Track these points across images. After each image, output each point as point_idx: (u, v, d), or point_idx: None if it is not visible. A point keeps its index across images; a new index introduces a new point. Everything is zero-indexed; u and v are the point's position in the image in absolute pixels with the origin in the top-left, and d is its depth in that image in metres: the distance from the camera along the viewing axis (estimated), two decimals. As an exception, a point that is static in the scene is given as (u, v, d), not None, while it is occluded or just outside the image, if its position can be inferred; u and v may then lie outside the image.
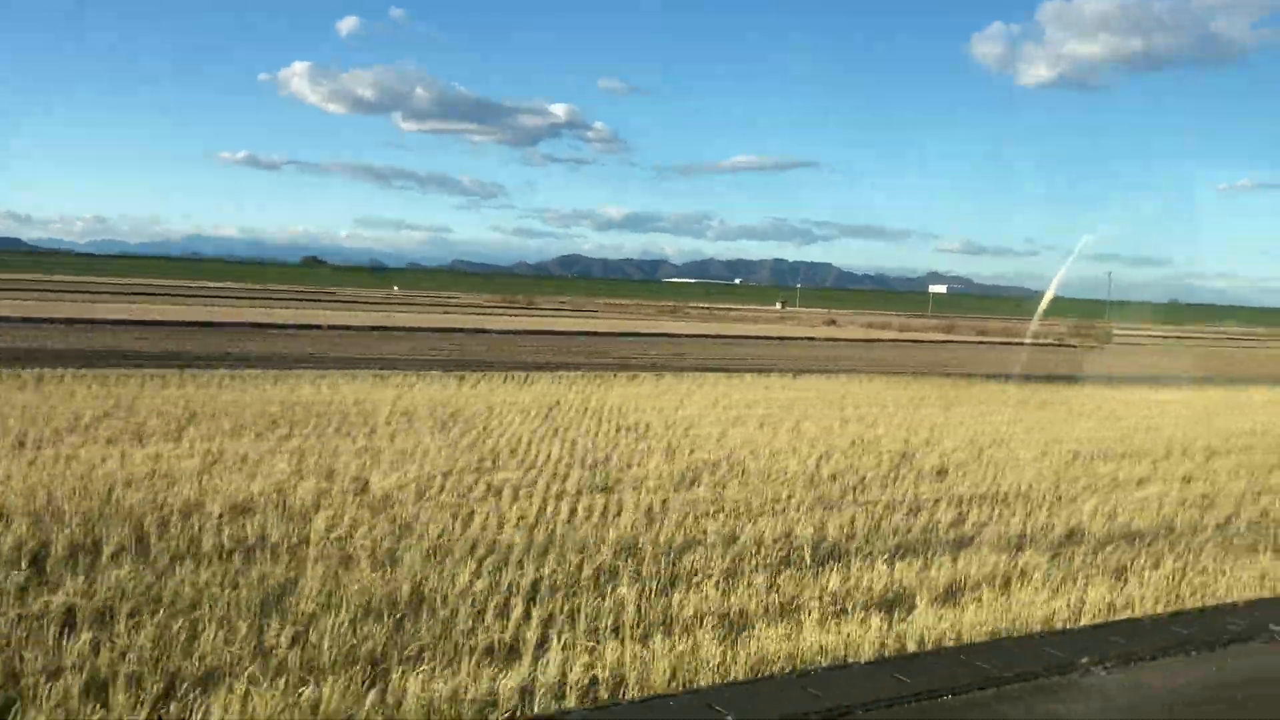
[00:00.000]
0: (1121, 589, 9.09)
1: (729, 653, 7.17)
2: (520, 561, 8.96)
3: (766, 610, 8.13)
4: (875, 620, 7.84)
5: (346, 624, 7.12)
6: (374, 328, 52.17)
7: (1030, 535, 11.43)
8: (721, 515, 11.38)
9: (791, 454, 16.12)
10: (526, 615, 7.58)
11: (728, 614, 7.99)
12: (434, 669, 6.55)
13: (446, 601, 7.82)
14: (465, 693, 6.21)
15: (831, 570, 9.22)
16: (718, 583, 8.65)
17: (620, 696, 6.43)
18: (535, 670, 6.62)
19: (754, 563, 9.48)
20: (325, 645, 6.76)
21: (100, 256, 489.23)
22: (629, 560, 9.26)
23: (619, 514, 11.03)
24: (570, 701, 6.28)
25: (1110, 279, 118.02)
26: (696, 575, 8.84)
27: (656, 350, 46.29)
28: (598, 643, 7.14)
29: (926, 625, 7.93)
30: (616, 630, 7.45)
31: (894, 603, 8.63)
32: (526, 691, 6.34)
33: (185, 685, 6.11)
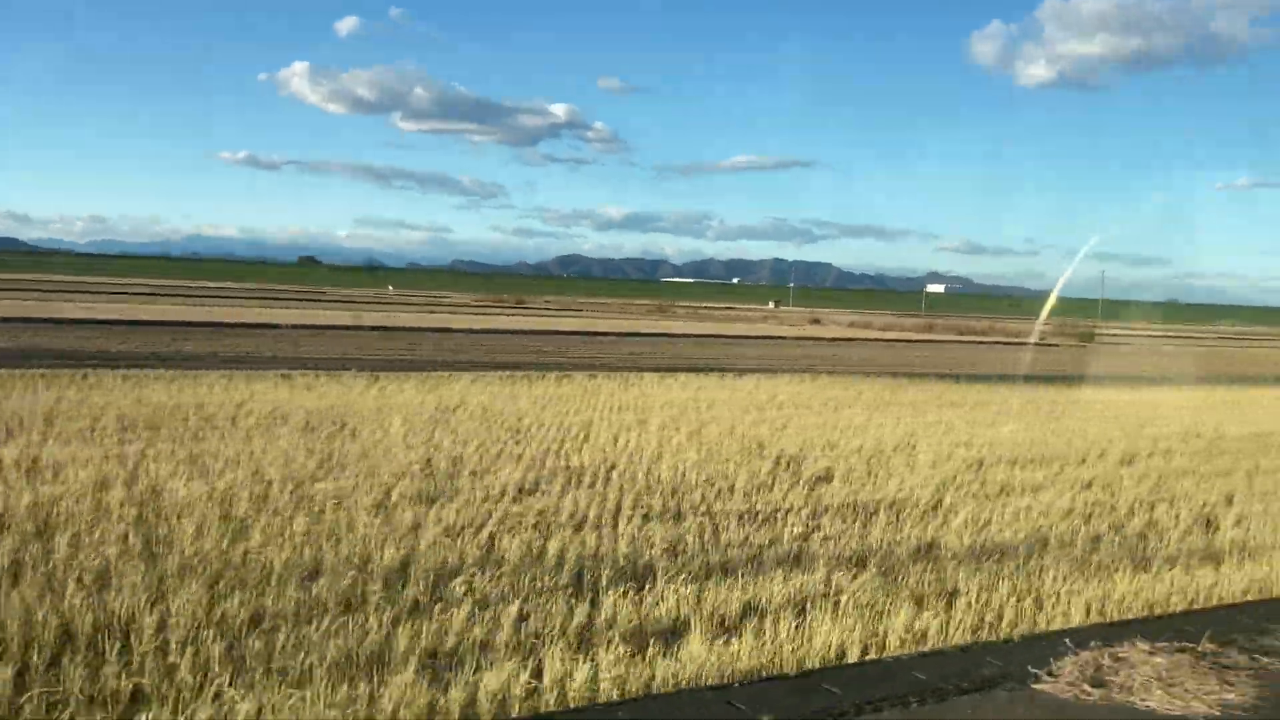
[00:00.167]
0: (935, 617, 8.11)
1: (439, 698, 6.21)
2: (244, 584, 8.00)
3: (507, 645, 7.16)
4: (612, 656, 6.87)
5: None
6: (345, 327, 51.31)
7: (881, 550, 10.48)
8: (543, 528, 10.44)
9: (674, 457, 15.20)
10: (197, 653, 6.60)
11: (456, 649, 7.03)
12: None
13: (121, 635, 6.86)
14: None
15: (616, 595, 8.25)
16: (471, 613, 7.67)
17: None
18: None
19: (540, 584, 8.52)
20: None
21: (100, 256, 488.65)
22: (398, 583, 8.31)
23: (417, 528, 10.07)
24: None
25: (1103, 278, 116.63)
26: (443, 603, 7.86)
27: (619, 349, 45.36)
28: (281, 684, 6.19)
29: (689, 659, 6.98)
30: (301, 671, 6.48)
31: (670, 632, 7.68)
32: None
33: None
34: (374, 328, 51.14)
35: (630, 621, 7.72)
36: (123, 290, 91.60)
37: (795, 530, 11.00)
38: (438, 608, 7.69)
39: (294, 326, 49.07)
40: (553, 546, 9.63)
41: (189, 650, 6.56)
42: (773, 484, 13.66)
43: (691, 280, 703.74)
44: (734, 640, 7.40)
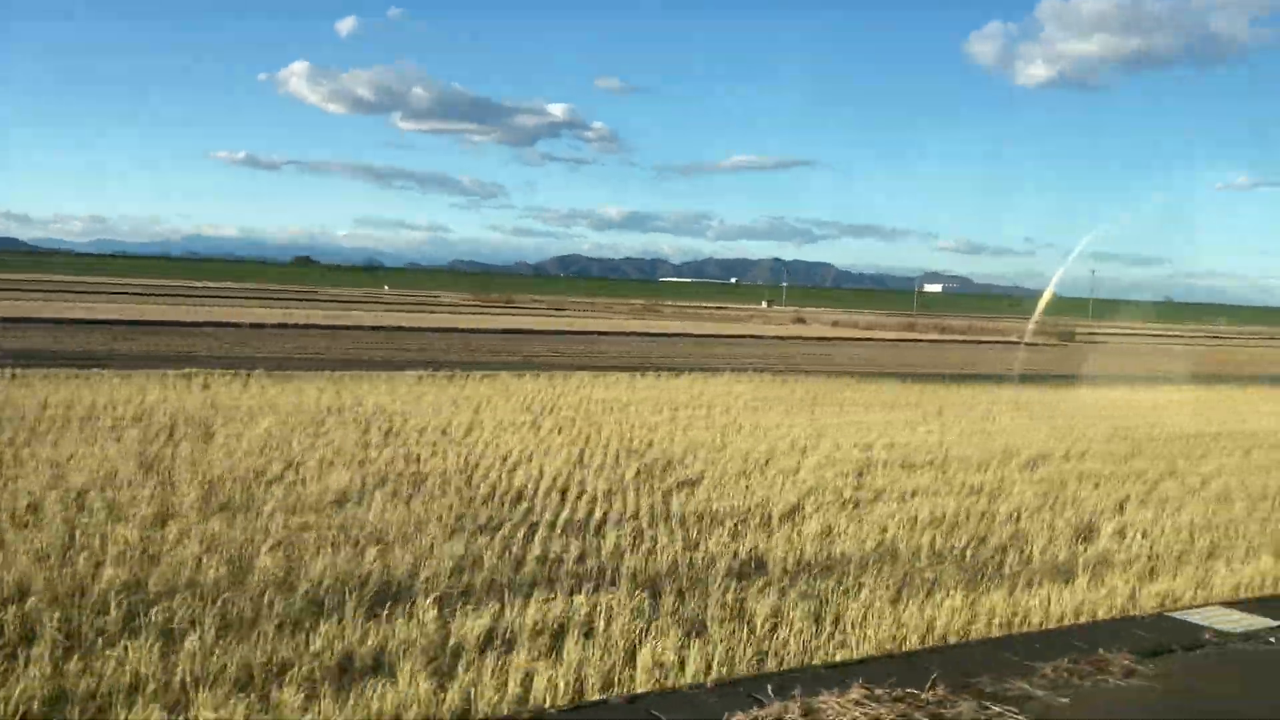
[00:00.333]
0: (685, 649, 7.11)
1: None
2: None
3: (165, 687, 6.19)
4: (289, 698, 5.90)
5: None
6: (309, 326, 50.37)
7: (701, 564, 9.50)
8: (324, 544, 9.45)
9: (540, 461, 14.24)
10: None
11: (96, 694, 6.05)
12: None
13: None
14: None
15: (334, 625, 7.27)
16: (156, 646, 6.68)
17: None
18: None
19: (248, 613, 7.50)
20: None
21: (100, 256, 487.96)
22: (98, 610, 7.34)
23: (180, 543, 9.09)
24: None
25: (1094, 277, 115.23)
26: (144, 632, 6.88)
27: (575, 348, 44.37)
28: None
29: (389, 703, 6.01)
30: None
31: (373, 669, 6.70)
32: None
33: None
34: (365, 327, 50.18)
35: (326, 655, 6.73)
36: (82, 289, 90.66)
37: (612, 544, 10.01)
38: (110, 645, 6.71)
39: (277, 326, 48.12)
40: (318, 565, 8.63)
41: None
42: (628, 490, 12.69)
43: (690, 280, 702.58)
44: (449, 682, 6.41)
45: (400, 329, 51.40)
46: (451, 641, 7.12)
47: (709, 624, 7.76)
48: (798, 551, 10.11)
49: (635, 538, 10.36)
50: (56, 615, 7.05)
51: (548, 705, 6.12)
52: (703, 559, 9.73)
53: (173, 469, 12.46)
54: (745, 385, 27.28)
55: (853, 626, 7.75)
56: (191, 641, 6.66)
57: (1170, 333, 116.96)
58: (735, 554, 9.95)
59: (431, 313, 79.74)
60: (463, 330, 53.54)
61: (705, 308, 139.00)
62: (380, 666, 6.69)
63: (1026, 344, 71.50)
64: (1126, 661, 6.49)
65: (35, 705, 5.80)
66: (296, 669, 6.48)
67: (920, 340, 71.90)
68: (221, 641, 6.82)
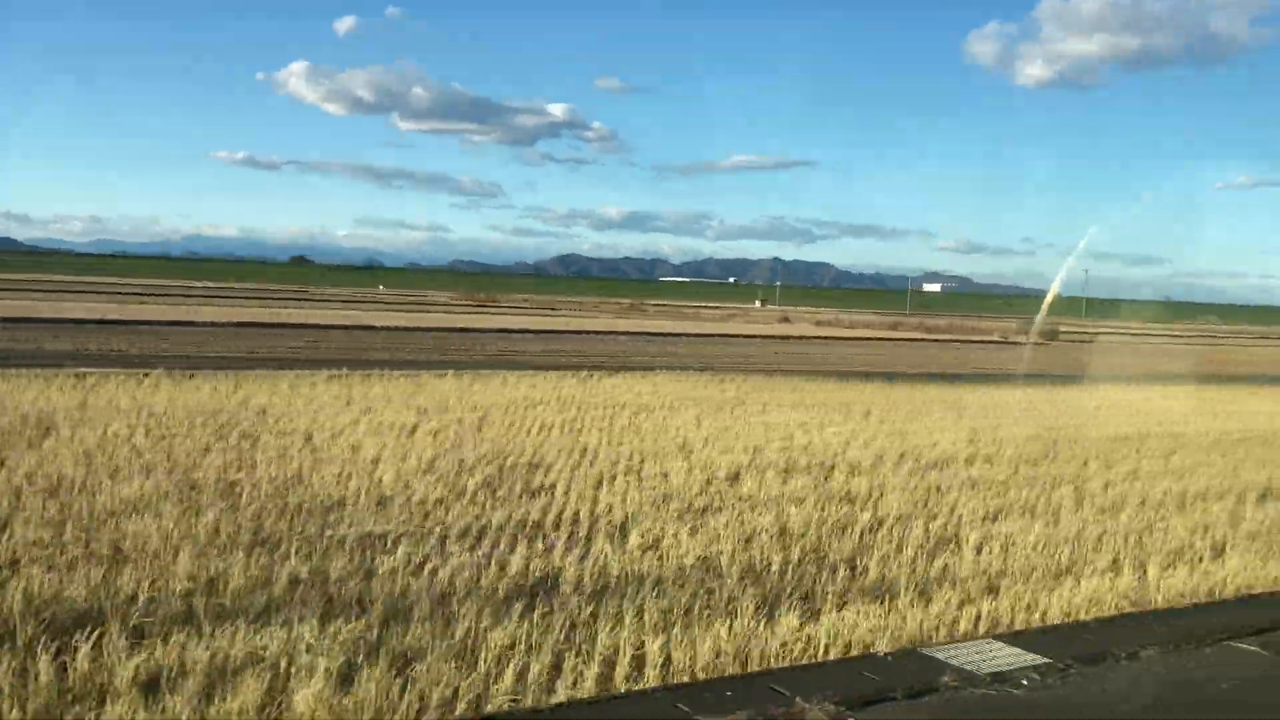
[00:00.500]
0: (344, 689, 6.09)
1: None
2: None
3: None
4: None
5: None
6: (275, 325, 49.54)
7: (489, 586, 8.48)
8: (61, 567, 8.45)
9: (393, 466, 13.23)
10: None
11: None
12: None
13: None
14: None
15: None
16: None
17: None
18: None
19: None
20: None
21: (99, 256, 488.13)
22: None
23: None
24: None
25: (1087, 276, 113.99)
26: None
27: (533, 347, 43.41)
28: None
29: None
30: None
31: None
32: None
33: None
34: (332, 326, 49.23)
35: None
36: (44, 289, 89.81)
37: (395, 563, 8.98)
38: None
39: (238, 325, 47.19)
40: (14, 585, 7.63)
41: None
42: (463, 501, 11.66)
43: (689, 280, 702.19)
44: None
45: (368, 328, 50.48)
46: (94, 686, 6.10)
47: (427, 657, 6.72)
48: (603, 570, 9.08)
49: (429, 555, 9.34)
50: None
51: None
52: (488, 581, 8.69)
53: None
54: (675, 385, 26.23)
55: (582, 664, 6.70)
56: None
57: (1160, 331, 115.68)
58: (531, 572, 8.93)
59: (411, 312, 78.86)
60: (442, 330, 52.57)
61: (694, 307, 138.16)
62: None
63: (1011, 343, 70.48)
64: (823, 715, 5.44)
65: None
66: None
67: (902, 340, 70.87)
68: None
